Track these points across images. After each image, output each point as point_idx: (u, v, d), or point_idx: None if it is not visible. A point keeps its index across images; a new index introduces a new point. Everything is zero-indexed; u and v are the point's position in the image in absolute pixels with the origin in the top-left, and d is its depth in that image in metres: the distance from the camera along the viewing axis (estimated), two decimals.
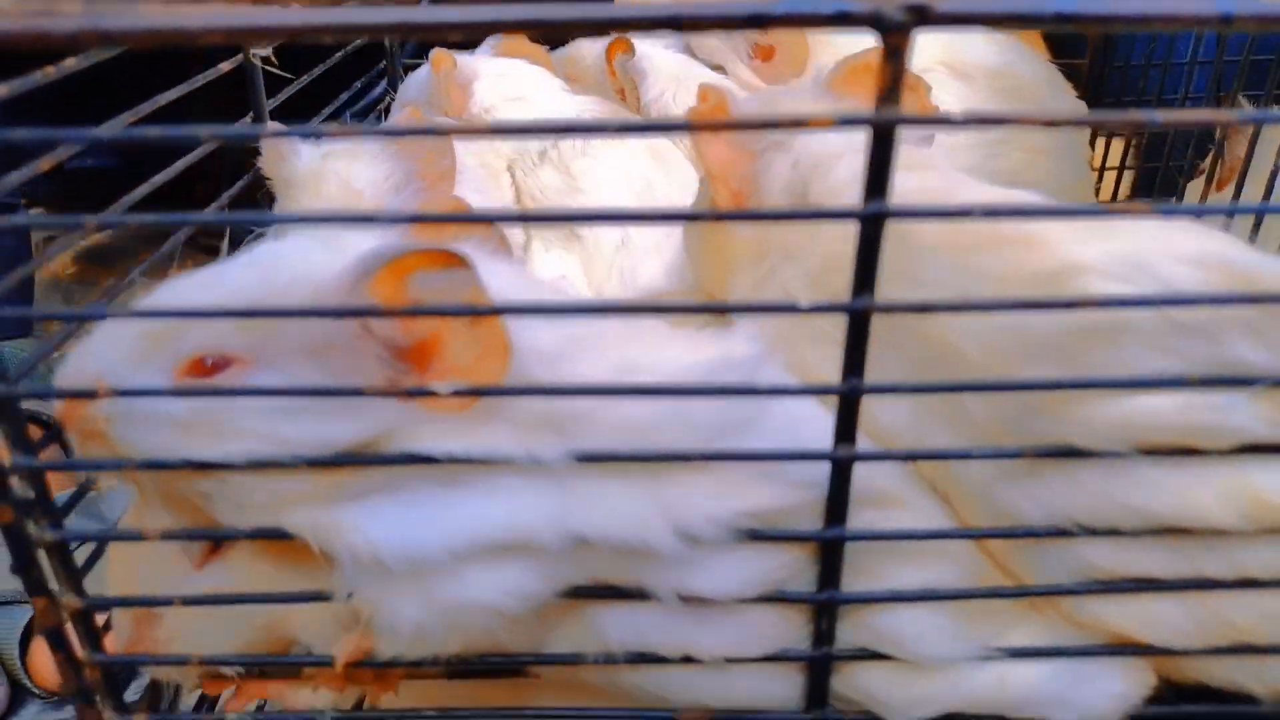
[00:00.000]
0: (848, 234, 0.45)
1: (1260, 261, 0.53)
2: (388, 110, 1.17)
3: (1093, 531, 0.53)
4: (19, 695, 1.13)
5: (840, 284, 0.47)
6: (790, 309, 0.47)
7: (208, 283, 0.55)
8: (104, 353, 0.54)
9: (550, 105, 1.06)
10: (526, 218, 1.01)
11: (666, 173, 0.97)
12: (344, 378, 0.51)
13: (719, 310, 0.56)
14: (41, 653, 1.13)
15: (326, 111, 1.03)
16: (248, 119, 0.84)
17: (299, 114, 0.87)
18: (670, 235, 0.89)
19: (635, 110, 1.09)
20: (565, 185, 0.96)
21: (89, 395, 0.52)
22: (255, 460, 0.51)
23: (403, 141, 0.80)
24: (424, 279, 0.49)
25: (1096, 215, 0.45)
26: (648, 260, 0.89)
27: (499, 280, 0.51)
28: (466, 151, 0.91)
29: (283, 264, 0.55)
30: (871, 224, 0.44)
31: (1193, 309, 0.50)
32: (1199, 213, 0.62)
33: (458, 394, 0.49)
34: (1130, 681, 0.59)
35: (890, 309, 0.47)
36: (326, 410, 0.51)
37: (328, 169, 0.80)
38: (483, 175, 0.94)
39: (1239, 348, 0.51)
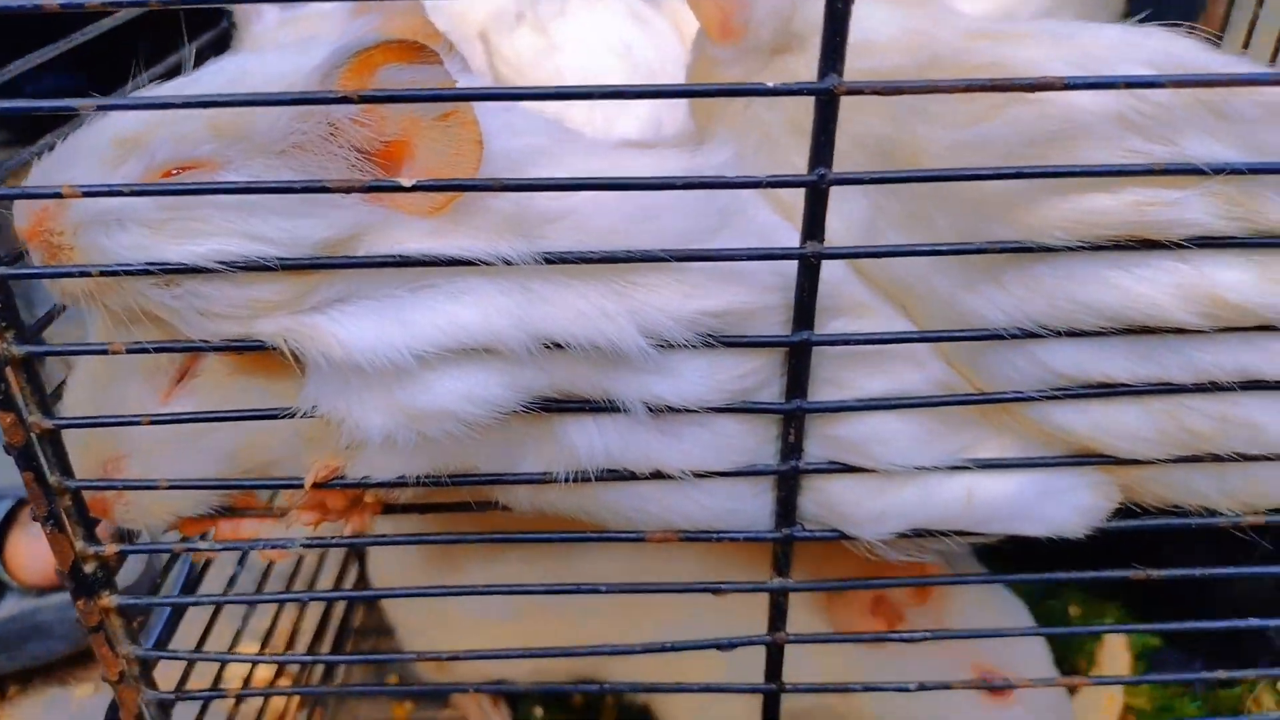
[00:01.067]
0: None
1: (1220, 61, 0.53)
2: None
3: (1056, 333, 0.53)
4: None
5: None
6: (757, 90, 0.47)
7: (178, 89, 0.55)
8: (72, 162, 0.53)
9: None
10: None
11: (645, 33, 0.96)
12: (315, 179, 0.50)
13: (679, 94, 0.56)
14: (18, 547, 1.13)
15: None
16: None
17: None
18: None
19: None
20: (543, 46, 0.95)
21: (54, 195, 0.51)
22: (229, 261, 0.50)
23: (370, 11, 0.78)
24: (394, 73, 0.48)
25: None
26: (623, 115, 0.88)
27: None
28: (434, 15, 0.89)
29: (253, 68, 0.55)
30: None
31: (1148, 111, 0.50)
32: None
33: (420, 188, 0.49)
34: (1097, 496, 0.59)
35: (858, 91, 0.46)
36: (296, 208, 0.50)
37: (283, 35, 0.79)
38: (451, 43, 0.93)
39: (1195, 148, 0.51)
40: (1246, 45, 0.79)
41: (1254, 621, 0.62)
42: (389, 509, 0.65)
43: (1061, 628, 0.75)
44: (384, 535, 0.63)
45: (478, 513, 0.64)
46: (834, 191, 0.57)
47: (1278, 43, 0.73)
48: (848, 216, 0.58)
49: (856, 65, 0.59)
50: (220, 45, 0.83)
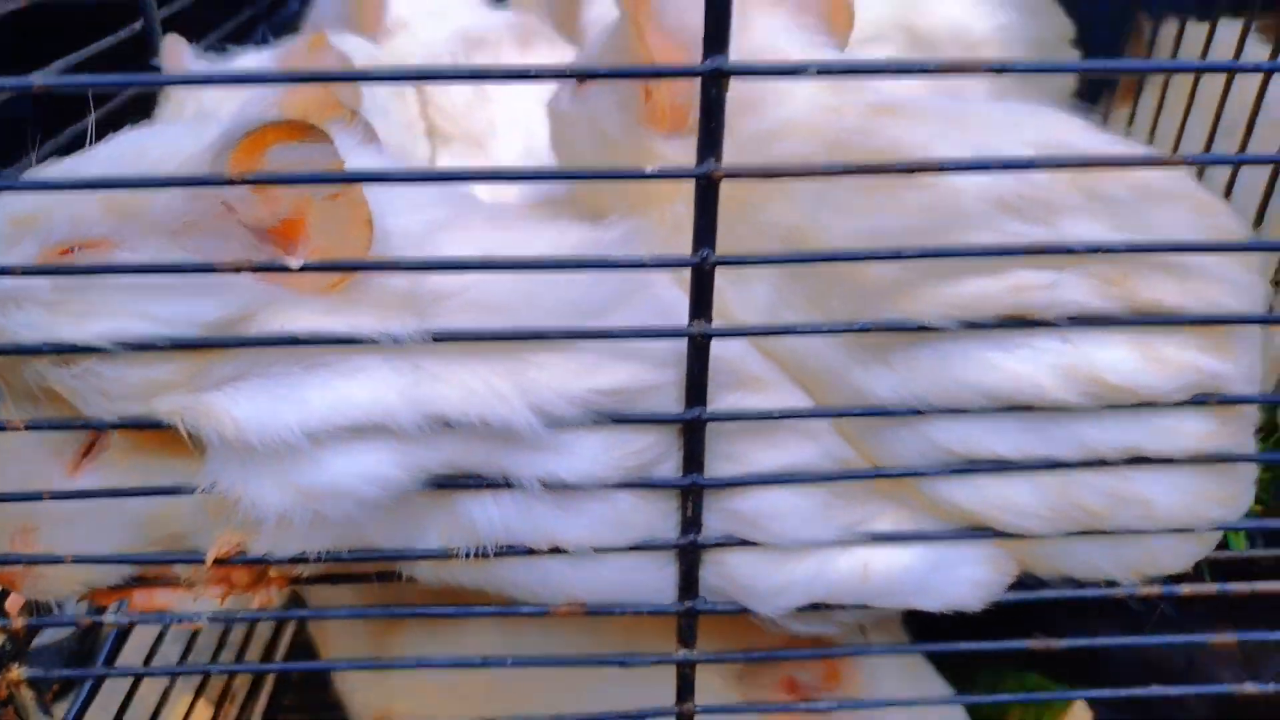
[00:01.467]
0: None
1: (1098, 141, 0.54)
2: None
3: (943, 410, 0.53)
4: None
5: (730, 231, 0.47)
6: (637, 175, 0.48)
7: (74, 168, 0.55)
8: None
9: (467, 19, 1.06)
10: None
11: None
12: (210, 258, 0.51)
13: (573, 178, 0.56)
14: None
15: (230, 26, 1.01)
16: (137, 25, 0.82)
17: (202, 27, 0.86)
18: None
19: (571, 28, 1.08)
20: (476, 96, 0.96)
21: None
22: (123, 341, 0.50)
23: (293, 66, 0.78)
24: (283, 152, 0.49)
25: (942, 71, 0.44)
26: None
27: (366, 162, 0.52)
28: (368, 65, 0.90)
29: (149, 146, 0.55)
30: (711, 81, 0.45)
31: (1026, 193, 0.52)
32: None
33: (309, 269, 0.49)
34: (993, 569, 0.60)
35: (737, 174, 0.47)
36: (191, 288, 0.51)
37: (208, 90, 0.79)
38: (386, 94, 0.94)
39: (1073, 228, 0.52)
40: (1161, 104, 0.80)
41: (1154, 689, 0.62)
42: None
43: (972, 696, 0.74)
44: (285, 608, 0.62)
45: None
46: (739, 278, 0.59)
47: (1183, 122, 0.74)
48: (753, 303, 0.59)
49: (775, 149, 0.61)
50: (147, 100, 0.83)
